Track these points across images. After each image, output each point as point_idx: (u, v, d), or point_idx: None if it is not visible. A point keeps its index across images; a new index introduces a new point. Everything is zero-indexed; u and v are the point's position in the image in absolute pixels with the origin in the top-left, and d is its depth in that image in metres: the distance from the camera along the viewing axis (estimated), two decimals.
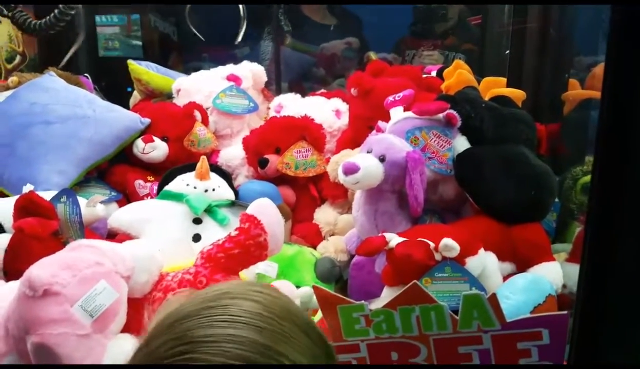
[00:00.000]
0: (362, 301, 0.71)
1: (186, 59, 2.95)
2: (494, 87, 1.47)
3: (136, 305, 0.93)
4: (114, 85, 2.12)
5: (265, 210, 0.99)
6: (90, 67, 2.74)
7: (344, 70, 2.79)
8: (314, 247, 1.36)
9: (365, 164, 1.13)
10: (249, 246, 0.94)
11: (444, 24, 2.65)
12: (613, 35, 0.61)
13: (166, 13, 2.81)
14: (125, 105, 1.80)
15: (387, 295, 1.09)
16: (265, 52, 2.43)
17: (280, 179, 1.44)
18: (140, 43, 2.62)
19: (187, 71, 2.59)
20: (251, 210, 0.98)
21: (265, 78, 1.75)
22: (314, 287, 0.75)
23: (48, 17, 1.93)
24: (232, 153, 1.54)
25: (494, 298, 0.67)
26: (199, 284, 0.91)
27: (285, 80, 2.60)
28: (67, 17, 1.92)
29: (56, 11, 1.91)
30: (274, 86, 2.47)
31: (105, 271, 0.86)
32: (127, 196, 1.47)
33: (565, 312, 0.67)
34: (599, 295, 0.67)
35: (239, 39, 1.46)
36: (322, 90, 2.05)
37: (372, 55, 2.75)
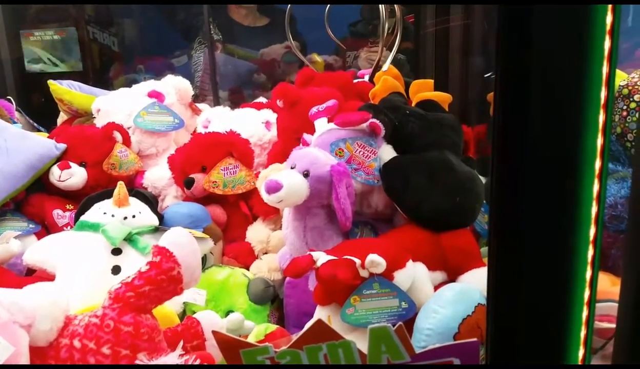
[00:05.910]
0: (267, 343, 0.66)
1: (124, 70, 2.89)
2: (423, 89, 1.45)
3: (41, 354, 0.86)
4: (50, 101, 2.01)
5: (179, 241, 0.93)
6: (17, 85, 2.63)
7: (285, 75, 2.75)
8: (247, 267, 1.31)
9: (288, 181, 1.09)
10: (160, 282, 0.88)
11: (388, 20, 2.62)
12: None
13: (106, 24, 2.75)
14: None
15: (320, 314, 1.06)
16: (197, 63, 2.36)
17: (209, 198, 1.38)
18: (78, 56, 2.57)
19: (127, 82, 2.48)
20: (163, 241, 0.92)
21: (191, 92, 1.67)
22: (213, 333, 0.70)
23: None
24: (158, 174, 1.46)
25: (401, 330, 0.63)
26: (105, 328, 0.84)
27: (223, 88, 2.54)
28: None
29: None
30: (212, 96, 2.41)
31: (0, 323, 0.81)
32: (45, 227, 1.38)
33: (474, 339, 0.64)
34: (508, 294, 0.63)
35: None
36: (261, 98, 2.01)
37: (316, 56, 2.70)
